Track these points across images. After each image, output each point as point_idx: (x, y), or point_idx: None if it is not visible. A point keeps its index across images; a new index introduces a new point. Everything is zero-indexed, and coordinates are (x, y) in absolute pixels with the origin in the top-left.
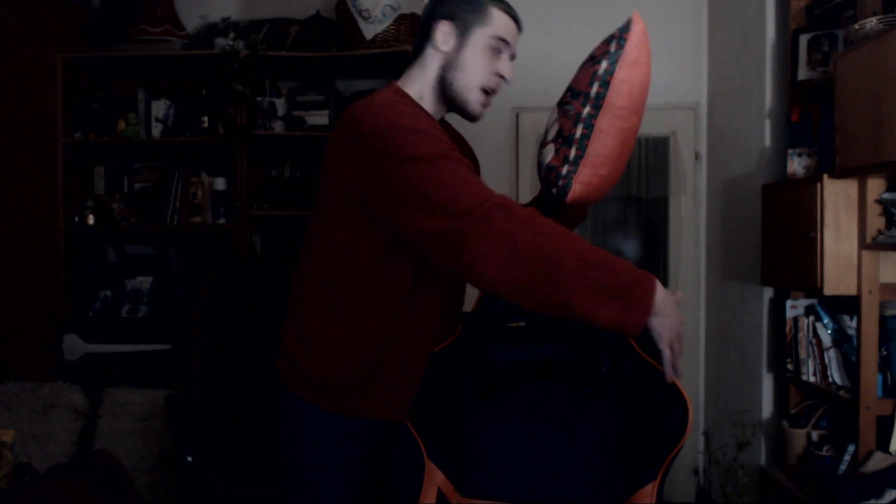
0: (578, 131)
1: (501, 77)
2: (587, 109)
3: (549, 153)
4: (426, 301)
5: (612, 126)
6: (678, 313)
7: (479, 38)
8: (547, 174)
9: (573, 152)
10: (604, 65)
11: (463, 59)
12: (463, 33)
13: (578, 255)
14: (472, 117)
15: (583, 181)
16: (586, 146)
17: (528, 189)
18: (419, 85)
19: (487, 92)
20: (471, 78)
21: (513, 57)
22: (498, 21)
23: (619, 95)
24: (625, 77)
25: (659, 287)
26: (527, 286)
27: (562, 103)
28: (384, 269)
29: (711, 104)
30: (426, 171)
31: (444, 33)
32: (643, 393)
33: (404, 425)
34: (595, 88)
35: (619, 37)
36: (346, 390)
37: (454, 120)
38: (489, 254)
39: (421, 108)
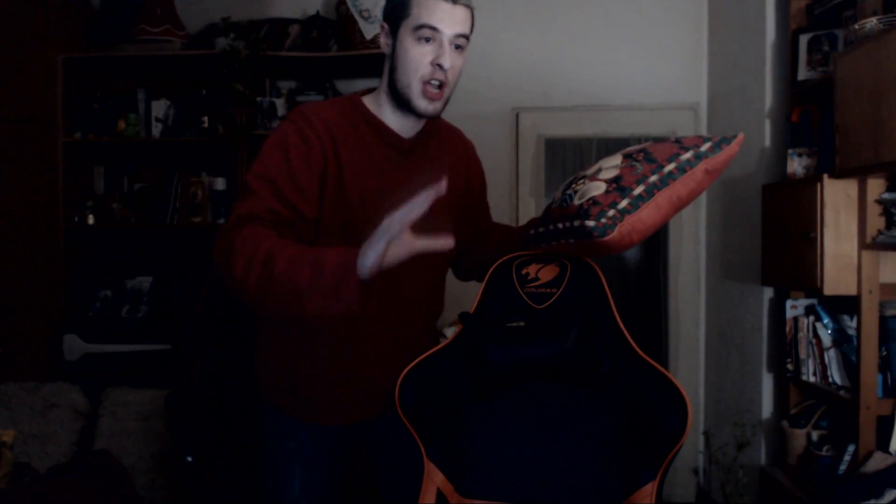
0: (638, 190)
1: (440, 66)
2: (654, 178)
3: (598, 189)
4: (367, 316)
5: (665, 207)
6: (378, 248)
7: (406, 30)
8: (587, 204)
9: (625, 203)
10: (689, 154)
11: (397, 58)
12: (394, 31)
13: (288, 272)
14: (420, 114)
15: (622, 232)
16: (639, 206)
17: (527, 188)
18: (378, 94)
19: (432, 84)
20: (406, 74)
21: (462, 37)
22: (419, 8)
23: (686, 187)
24: (700, 178)
25: (360, 261)
26: (262, 304)
27: (629, 156)
28: None
29: (711, 104)
30: (241, 188)
31: (384, 36)
32: (642, 393)
33: (402, 426)
34: (671, 167)
35: (717, 143)
36: (289, 394)
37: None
38: (226, 270)
39: (337, 120)
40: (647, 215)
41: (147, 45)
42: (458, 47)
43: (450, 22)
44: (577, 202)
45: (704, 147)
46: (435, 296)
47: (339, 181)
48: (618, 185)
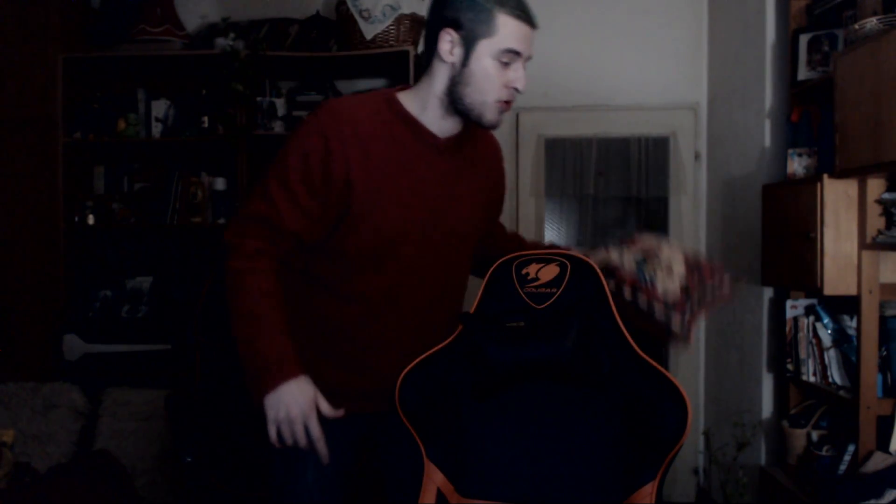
0: (695, 297)
1: (516, 89)
2: (698, 294)
3: (674, 294)
4: (372, 301)
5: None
6: (297, 406)
7: (487, 50)
8: (674, 305)
9: (688, 308)
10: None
11: (471, 74)
12: (469, 44)
13: (243, 304)
14: (490, 127)
15: (692, 335)
16: (694, 312)
17: (527, 187)
18: (424, 96)
19: (505, 105)
20: (482, 93)
21: (529, 58)
22: (505, 30)
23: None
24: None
25: (288, 384)
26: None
27: (691, 267)
28: (312, 269)
29: (711, 104)
30: (259, 184)
31: (449, 43)
32: (642, 393)
33: (403, 425)
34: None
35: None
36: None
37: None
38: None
39: (369, 118)
40: (698, 319)
41: (147, 45)
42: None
43: (529, 45)
44: (660, 292)
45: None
46: (455, 292)
47: (370, 179)
48: (686, 294)
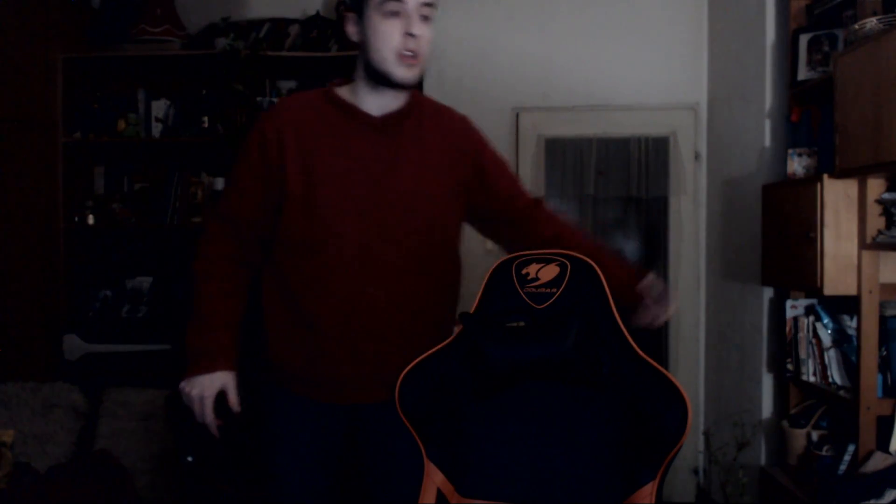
0: None
1: (411, 35)
2: None
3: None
4: (330, 286)
5: None
6: (198, 391)
7: (372, 11)
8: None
9: None
10: None
11: (368, 39)
12: (360, 17)
13: (195, 304)
14: (401, 85)
15: None
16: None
17: (527, 188)
18: (355, 81)
19: (407, 55)
20: (379, 51)
21: (427, 6)
22: None
23: None
24: None
25: (201, 375)
26: None
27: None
28: (277, 263)
29: (711, 104)
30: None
31: (351, 25)
32: (642, 393)
33: (403, 425)
34: None
35: None
36: (286, 370)
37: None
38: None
39: (303, 107)
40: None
41: (147, 45)
42: (425, 18)
43: None
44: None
45: None
46: (440, 286)
47: (304, 163)
48: None
